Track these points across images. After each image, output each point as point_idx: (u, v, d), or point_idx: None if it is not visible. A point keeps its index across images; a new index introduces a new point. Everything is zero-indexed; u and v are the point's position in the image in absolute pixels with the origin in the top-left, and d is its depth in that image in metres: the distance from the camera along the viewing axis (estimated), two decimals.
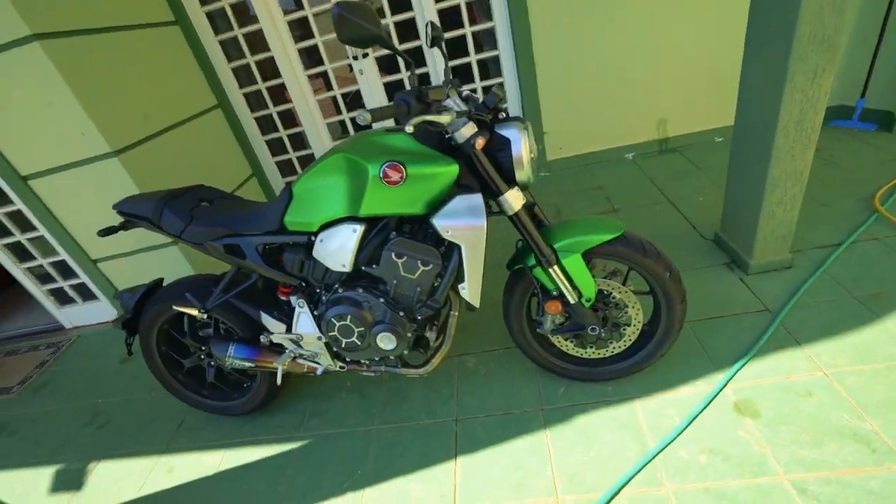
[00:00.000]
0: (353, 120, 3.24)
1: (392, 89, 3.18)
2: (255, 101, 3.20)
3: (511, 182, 1.22)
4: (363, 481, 1.48)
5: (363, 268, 1.33)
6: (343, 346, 1.42)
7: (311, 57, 3.06)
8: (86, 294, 2.81)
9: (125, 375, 2.34)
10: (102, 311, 2.84)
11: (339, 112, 3.25)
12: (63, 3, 2.02)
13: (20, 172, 2.24)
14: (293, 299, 1.47)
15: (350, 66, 3.05)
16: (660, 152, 3.13)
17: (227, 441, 1.78)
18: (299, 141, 3.37)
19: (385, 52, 3.04)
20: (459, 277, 1.26)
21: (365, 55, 2.99)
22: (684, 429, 1.36)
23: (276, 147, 3.37)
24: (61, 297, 2.86)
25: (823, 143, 2.72)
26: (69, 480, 1.80)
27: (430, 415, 1.65)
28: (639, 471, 1.29)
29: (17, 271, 2.70)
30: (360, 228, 1.27)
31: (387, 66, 3.14)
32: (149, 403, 2.09)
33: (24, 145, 2.17)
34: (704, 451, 1.31)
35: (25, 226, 2.53)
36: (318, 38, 2.93)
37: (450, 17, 2.87)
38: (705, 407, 1.41)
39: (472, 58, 2.97)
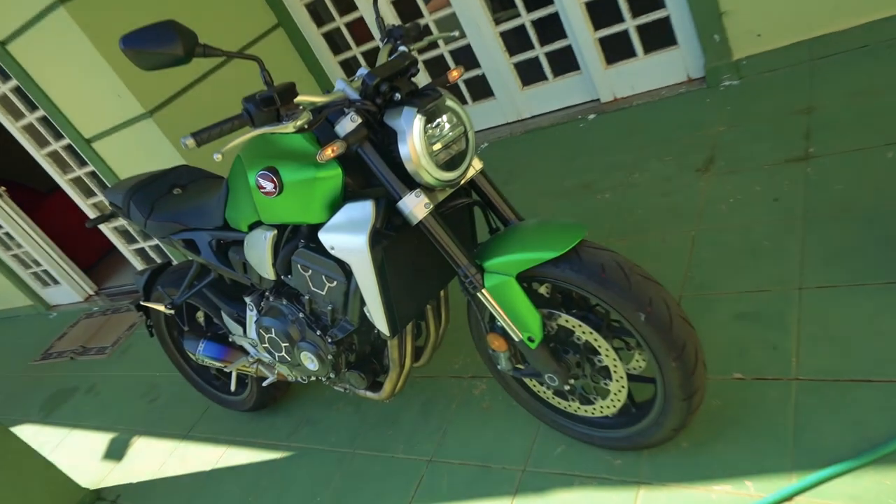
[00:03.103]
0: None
1: None
2: (322, 12, 3.85)
3: (415, 183, 1.45)
4: None
5: (282, 277, 1.80)
6: (276, 359, 1.95)
7: None
8: (164, 256, 4.12)
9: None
10: None
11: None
12: None
13: (84, 136, 3.45)
14: (247, 300, 2.06)
15: None
16: None
17: (231, 437, 2.60)
18: (374, 59, 3.90)
19: None
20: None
21: None
22: None
23: (355, 66, 4.00)
24: (146, 259, 4.26)
25: None
26: (116, 450, 2.94)
27: (407, 448, 2.07)
28: None
29: (107, 230, 4.16)
30: (269, 235, 1.72)
31: None
32: (188, 384, 3.12)
33: (82, 110, 3.33)
34: None
35: (104, 186, 3.87)
36: None
37: None
38: None
39: None
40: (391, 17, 3.62)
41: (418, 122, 1.39)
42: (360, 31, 3.77)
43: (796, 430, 1.53)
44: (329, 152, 1.36)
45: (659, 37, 3.15)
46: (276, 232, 1.72)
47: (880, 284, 1.76)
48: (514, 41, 3.54)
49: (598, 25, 3.20)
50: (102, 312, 4.68)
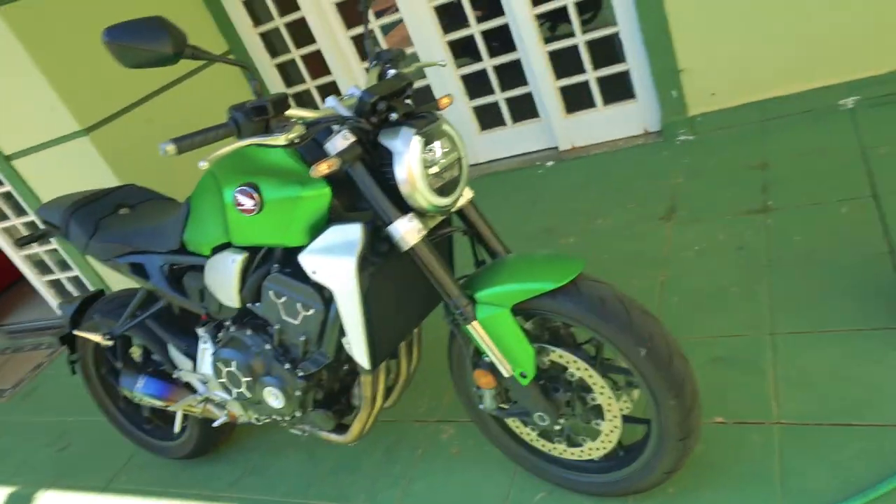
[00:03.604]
0: None
1: (445, 13, 3.45)
2: (276, 42, 3.83)
3: (408, 207, 1.42)
4: None
5: (248, 305, 1.70)
6: (234, 396, 1.83)
7: None
8: (82, 289, 3.85)
9: None
10: None
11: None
12: None
13: (3, 152, 3.22)
14: (200, 331, 1.93)
15: None
16: None
17: (160, 489, 2.38)
18: (330, 91, 3.91)
19: None
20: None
21: None
22: None
23: (307, 101, 3.98)
24: (60, 290, 3.97)
25: None
26: None
27: (369, 497, 1.96)
28: None
29: (17, 258, 3.85)
30: (238, 258, 1.63)
31: None
32: (109, 429, 2.87)
33: (4, 124, 3.11)
34: None
35: (19, 210, 3.60)
36: None
37: None
38: None
39: None
40: (350, 52, 3.64)
41: (416, 143, 1.37)
42: (315, 64, 3.76)
43: (782, 474, 1.55)
44: (324, 167, 1.32)
45: (618, 90, 3.31)
46: (246, 255, 1.64)
47: (847, 331, 1.85)
48: (475, 85, 3.62)
49: (559, 75, 3.33)
50: (0, 352, 4.28)
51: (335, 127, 1.42)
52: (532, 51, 3.25)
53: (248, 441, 2.43)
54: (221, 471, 2.34)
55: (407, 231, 1.41)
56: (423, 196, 1.39)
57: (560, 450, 1.62)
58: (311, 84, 3.84)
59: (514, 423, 1.67)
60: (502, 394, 1.62)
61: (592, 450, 1.56)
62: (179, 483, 2.38)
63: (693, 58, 2.99)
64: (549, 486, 1.75)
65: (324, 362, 1.62)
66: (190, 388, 2.07)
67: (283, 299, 1.59)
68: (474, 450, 1.97)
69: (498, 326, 1.44)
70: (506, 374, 1.49)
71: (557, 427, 1.53)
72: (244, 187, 1.47)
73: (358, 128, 1.41)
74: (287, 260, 1.61)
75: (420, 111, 1.46)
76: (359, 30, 3.58)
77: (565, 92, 3.38)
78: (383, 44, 3.61)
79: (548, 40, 3.27)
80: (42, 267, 3.90)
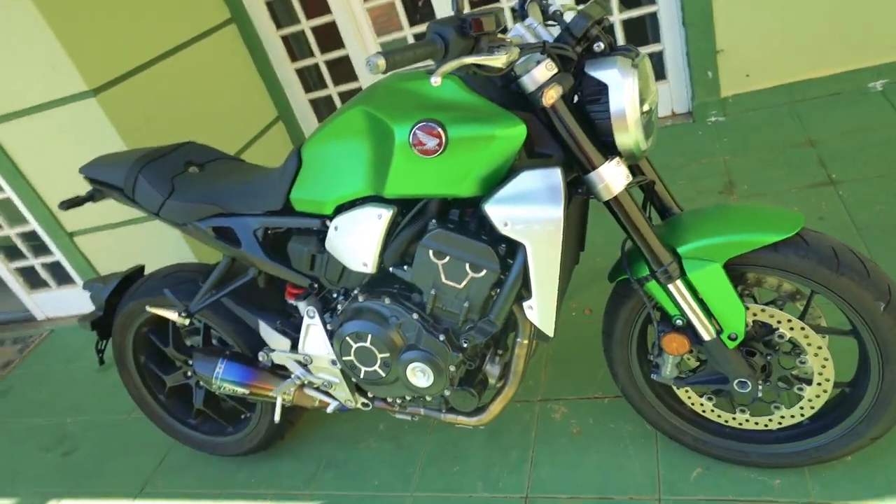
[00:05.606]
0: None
1: None
2: (282, 13, 3.48)
3: (610, 150, 1.23)
4: None
5: (391, 268, 1.44)
6: (362, 376, 1.56)
7: None
8: (61, 277, 3.34)
9: (103, 387, 2.77)
10: (81, 299, 3.36)
11: (399, 25, 3.39)
12: None
13: None
14: (301, 305, 1.63)
15: None
16: None
17: (213, 491, 2.04)
18: (343, 69, 3.59)
19: None
20: (525, 291, 1.31)
21: None
22: None
23: (310, 78, 3.65)
24: (32, 279, 3.43)
25: None
26: None
27: (489, 486, 1.74)
28: None
29: None
30: (386, 214, 1.37)
31: None
32: (127, 428, 2.46)
33: None
34: None
35: None
36: None
37: None
38: None
39: None
40: (365, 24, 3.35)
41: (634, 75, 1.19)
42: (327, 36, 3.44)
43: None
44: (553, 94, 1.12)
45: None
46: (395, 209, 1.38)
47: None
48: None
49: None
50: None
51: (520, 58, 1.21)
52: None
53: (310, 433, 2.13)
54: (287, 467, 2.04)
55: (613, 178, 1.23)
56: (635, 136, 1.22)
57: (740, 420, 1.47)
58: (320, 58, 3.51)
59: (686, 393, 1.50)
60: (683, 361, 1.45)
61: (785, 418, 1.42)
62: (238, 482, 2.04)
63: (731, 39, 2.94)
64: (706, 461, 1.59)
65: (491, 332, 1.39)
66: (275, 374, 1.76)
67: (446, 259, 1.35)
68: (597, 428, 1.79)
69: (709, 284, 1.29)
70: (707, 337, 1.32)
71: (760, 394, 1.37)
72: (427, 123, 1.22)
73: (561, 56, 1.21)
74: (445, 214, 1.37)
75: (618, 45, 1.30)
76: (375, 2, 3.31)
77: None
78: None
79: None
80: (10, 252, 3.36)
